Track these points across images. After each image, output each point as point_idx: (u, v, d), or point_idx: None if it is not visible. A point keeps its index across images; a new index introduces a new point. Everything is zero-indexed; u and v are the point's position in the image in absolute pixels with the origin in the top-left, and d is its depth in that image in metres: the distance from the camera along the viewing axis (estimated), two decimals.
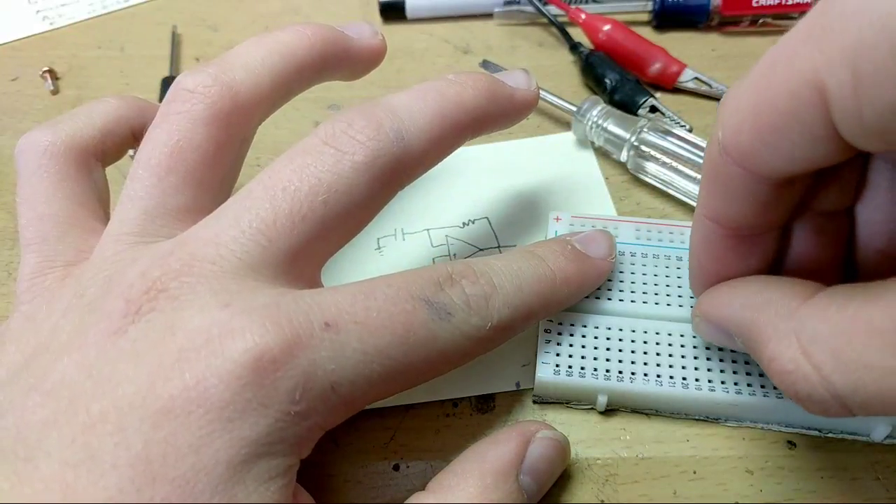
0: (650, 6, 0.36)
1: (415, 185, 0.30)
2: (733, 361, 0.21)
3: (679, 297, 0.23)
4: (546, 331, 0.22)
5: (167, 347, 0.15)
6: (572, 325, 0.22)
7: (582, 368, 0.21)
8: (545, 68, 0.35)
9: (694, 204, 0.27)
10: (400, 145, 0.19)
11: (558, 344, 0.22)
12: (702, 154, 0.27)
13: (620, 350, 0.21)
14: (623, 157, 0.29)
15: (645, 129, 0.28)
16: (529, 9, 0.37)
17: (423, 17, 0.39)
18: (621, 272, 0.23)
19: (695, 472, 0.20)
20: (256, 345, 0.15)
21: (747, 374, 0.21)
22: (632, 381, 0.21)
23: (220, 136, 0.19)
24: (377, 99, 0.19)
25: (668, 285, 0.23)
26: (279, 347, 0.15)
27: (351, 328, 0.16)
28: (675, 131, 0.28)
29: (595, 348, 0.22)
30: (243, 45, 0.21)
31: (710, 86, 0.32)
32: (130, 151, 0.23)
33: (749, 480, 0.20)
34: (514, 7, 0.38)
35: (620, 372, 0.21)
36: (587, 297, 0.23)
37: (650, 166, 0.28)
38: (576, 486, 0.20)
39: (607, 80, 0.32)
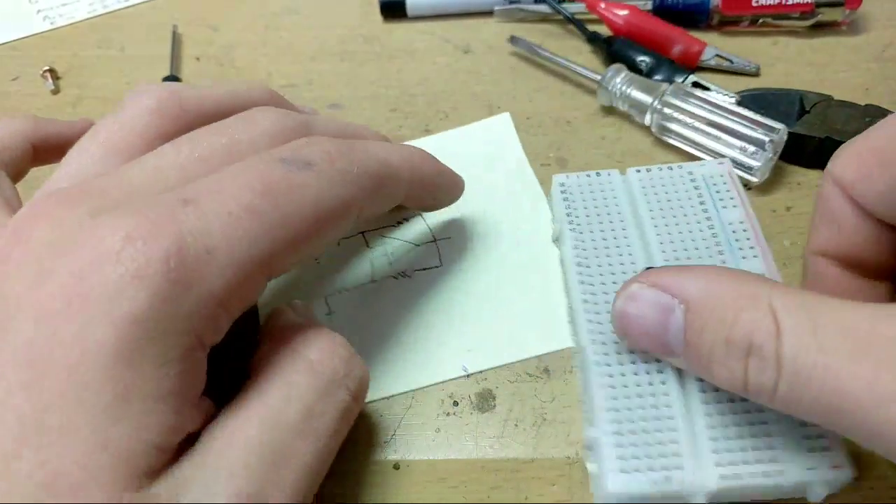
0: (649, 5, 0.36)
1: None
2: None
3: None
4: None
5: (43, 254, 0.16)
6: None
7: None
8: None
9: (711, 157, 0.28)
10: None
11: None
12: (721, 111, 0.28)
13: None
14: (647, 120, 0.30)
15: (667, 93, 0.29)
16: (530, 6, 0.37)
17: (424, 16, 0.39)
18: None
19: None
20: (122, 228, 0.15)
21: None
22: None
23: (161, 127, 0.20)
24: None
25: None
26: (145, 227, 0.15)
27: (209, 197, 0.16)
28: (697, 93, 0.29)
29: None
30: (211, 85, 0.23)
31: (731, 62, 0.33)
32: None
33: None
34: (515, 5, 0.38)
35: None
36: None
37: (673, 127, 0.29)
38: (576, 486, 0.20)
39: (642, 63, 0.33)
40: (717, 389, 0.19)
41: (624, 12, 0.35)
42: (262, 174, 0.17)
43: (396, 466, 0.21)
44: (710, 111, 0.28)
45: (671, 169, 0.26)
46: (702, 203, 0.25)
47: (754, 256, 0.23)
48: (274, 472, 0.16)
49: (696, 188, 0.25)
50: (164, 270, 0.15)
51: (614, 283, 0.23)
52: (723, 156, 0.28)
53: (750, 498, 0.19)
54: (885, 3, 0.36)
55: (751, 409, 0.19)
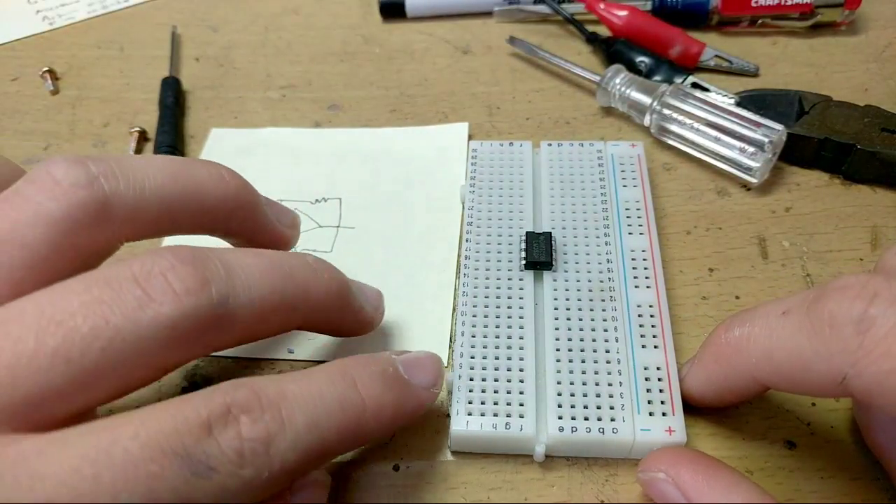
0: (649, 6, 0.36)
1: (284, 153, 0.31)
2: None
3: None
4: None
5: None
6: None
7: None
8: None
9: (712, 161, 0.29)
10: (220, 311, 0.16)
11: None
12: (720, 112, 0.28)
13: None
14: (646, 121, 0.30)
15: (667, 94, 0.29)
16: (529, 7, 0.37)
17: (423, 16, 0.39)
18: None
19: None
20: None
21: None
22: None
23: (61, 243, 0.16)
24: (218, 249, 0.17)
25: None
26: None
27: None
28: (696, 94, 0.29)
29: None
30: (152, 158, 0.19)
31: (730, 62, 0.33)
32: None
33: None
34: (514, 6, 0.38)
35: None
36: None
37: (672, 128, 0.29)
38: (576, 486, 0.20)
39: (641, 63, 0.33)
40: (570, 350, 0.21)
41: (623, 13, 0.35)
42: (148, 481, 0.13)
43: (396, 468, 0.21)
44: (710, 112, 0.28)
45: (582, 146, 0.28)
46: (602, 180, 0.27)
47: (640, 234, 0.25)
48: None
49: (600, 165, 0.27)
50: None
51: (499, 243, 0.25)
52: (723, 157, 0.28)
53: (589, 453, 0.21)
54: (884, 3, 0.36)
55: (599, 371, 0.21)
